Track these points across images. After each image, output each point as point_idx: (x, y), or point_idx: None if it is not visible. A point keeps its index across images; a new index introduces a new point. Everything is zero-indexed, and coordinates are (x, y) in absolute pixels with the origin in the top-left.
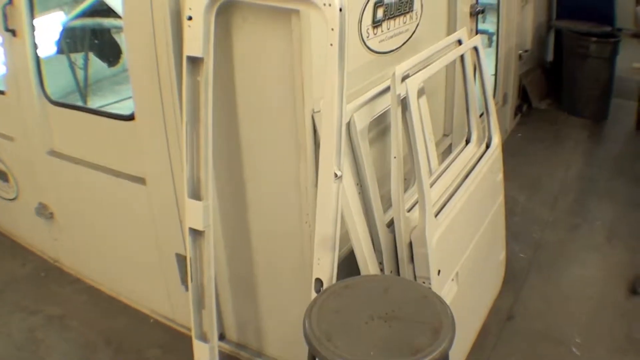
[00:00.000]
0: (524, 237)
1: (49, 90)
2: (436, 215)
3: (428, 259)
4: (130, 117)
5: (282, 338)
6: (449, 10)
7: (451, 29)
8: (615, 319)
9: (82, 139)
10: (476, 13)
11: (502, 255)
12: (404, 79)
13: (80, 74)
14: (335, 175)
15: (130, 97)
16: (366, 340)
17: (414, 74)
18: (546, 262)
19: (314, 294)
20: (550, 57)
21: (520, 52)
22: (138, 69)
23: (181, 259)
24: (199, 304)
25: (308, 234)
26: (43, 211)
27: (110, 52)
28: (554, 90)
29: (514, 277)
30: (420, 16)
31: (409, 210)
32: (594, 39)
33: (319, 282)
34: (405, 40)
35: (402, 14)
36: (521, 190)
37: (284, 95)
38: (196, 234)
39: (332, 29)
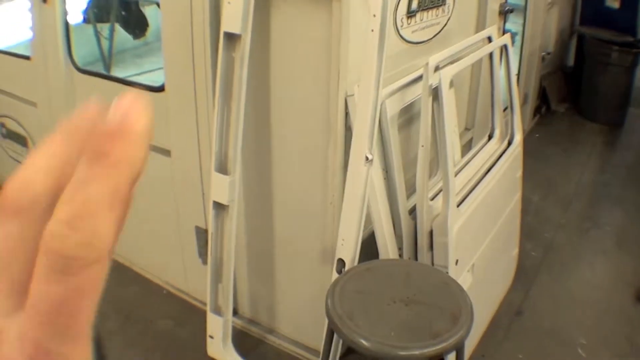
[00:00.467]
0: (536, 236)
1: (76, 58)
2: (458, 206)
3: (448, 248)
4: (160, 89)
5: (294, 316)
6: (479, 7)
7: (480, 25)
8: (620, 324)
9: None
10: (505, 12)
11: (515, 252)
12: (436, 69)
13: (105, 44)
14: (367, 158)
15: (150, 70)
16: (387, 322)
17: (444, 66)
18: (556, 262)
19: (335, 274)
20: (571, 61)
21: (543, 54)
22: (172, 42)
23: (200, 232)
24: (217, 277)
25: (332, 214)
26: None
27: (136, 24)
28: (572, 94)
29: (524, 274)
30: (452, 10)
31: (431, 199)
32: (616, 47)
33: (341, 262)
34: (436, 32)
35: (435, 6)
36: (535, 190)
37: (318, 77)
38: (220, 208)
39: (374, 15)
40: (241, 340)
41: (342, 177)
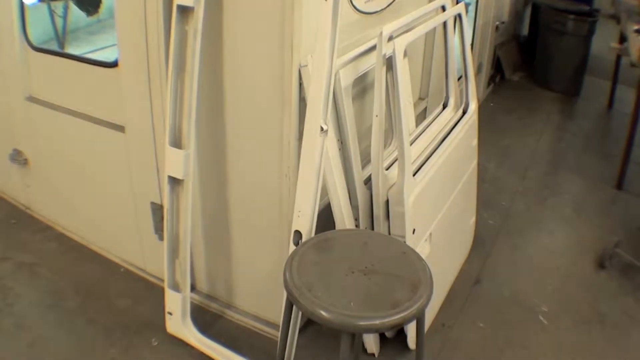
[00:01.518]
0: (493, 205)
1: (31, 37)
2: (414, 175)
3: (404, 218)
4: (113, 64)
5: (252, 291)
6: None
7: None
8: (581, 290)
9: (63, 85)
10: None
11: (472, 220)
12: (390, 39)
13: (59, 22)
14: (322, 129)
15: (103, 48)
16: (346, 292)
17: (397, 35)
18: (515, 230)
19: (292, 247)
20: (525, 31)
21: (497, 23)
22: (125, 16)
23: (156, 208)
24: (173, 253)
25: (287, 187)
26: (17, 157)
27: (89, 1)
28: (527, 63)
29: (482, 243)
30: None
31: (387, 169)
32: (572, 16)
33: (298, 234)
34: (389, 3)
35: None
36: (491, 159)
37: (271, 49)
38: (175, 182)
39: None
40: (200, 315)
41: (297, 148)
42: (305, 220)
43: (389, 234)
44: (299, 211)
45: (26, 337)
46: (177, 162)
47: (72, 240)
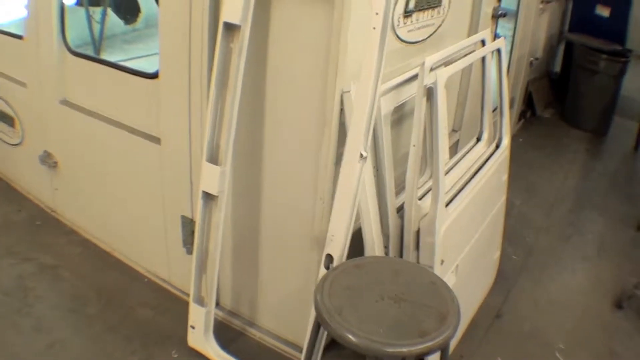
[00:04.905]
0: (517, 240)
1: (69, 40)
2: (446, 206)
3: (434, 248)
4: (153, 76)
5: (276, 310)
6: (473, 10)
7: (473, 28)
8: (598, 330)
9: (99, 92)
10: (498, 16)
11: (496, 254)
12: (430, 70)
13: (96, 27)
14: (361, 155)
15: (137, 57)
16: (375, 318)
17: (437, 67)
18: (537, 266)
19: (323, 270)
20: (557, 68)
21: (532, 59)
22: (169, 28)
23: (187, 222)
24: (201, 268)
25: (321, 209)
26: (47, 160)
27: (128, 9)
28: (558, 100)
29: (505, 278)
30: (447, 12)
31: (419, 199)
32: (605, 56)
33: (329, 257)
34: (430, 33)
35: (431, 7)
36: (518, 194)
37: (316, 72)
38: (209, 198)
39: (377, 13)
40: (222, 331)
41: (333, 173)
42: (337, 245)
43: (418, 263)
44: (332, 235)
45: (44, 339)
46: (212, 178)
47: (96, 246)
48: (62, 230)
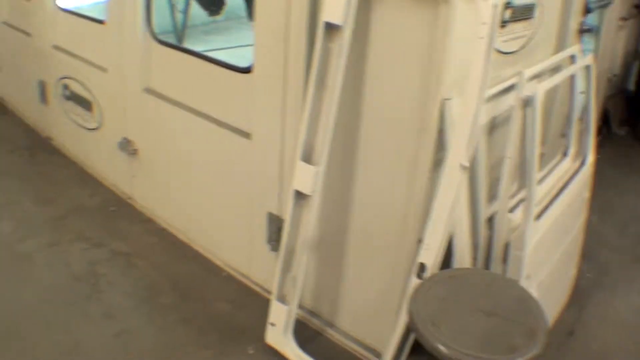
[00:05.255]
0: (592, 258)
1: (154, 28)
2: (536, 219)
3: (522, 262)
4: (246, 70)
5: (356, 312)
6: (561, 24)
7: (560, 42)
8: None
9: (185, 82)
10: (582, 31)
11: (573, 272)
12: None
13: (178, 17)
14: (462, 166)
15: (217, 49)
16: (467, 331)
17: (530, 79)
18: (610, 285)
19: (414, 278)
20: (632, 85)
21: (610, 75)
22: (265, 24)
23: (273, 219)
24: (287, 266)
25: (414, 216)
26: (127, 146)
27: (213, 1)
28: (633, 118)
29: (579, 295)
30: (538, 25)
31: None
32: None
33: (422, 266)
34: (522, 45)
35: (525, 18)
36: (593, 212)
37: (416, 78)
38: (300, 197)
39: (484, 23)
40: (300, 330)
41: (428, 180)
42: (431, 254)
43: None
44: (427, 244)
45: (114, 327)
46: (306, 178)
47: (173, 236)
48: (138, 218)
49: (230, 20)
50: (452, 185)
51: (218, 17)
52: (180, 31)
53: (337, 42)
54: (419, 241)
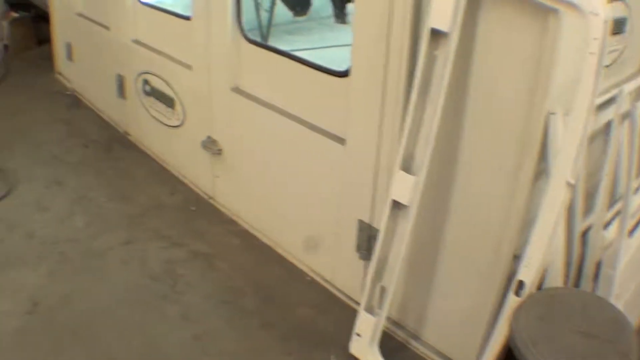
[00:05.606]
0: None
1: (244, 27)
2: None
3: (613, 282)
4: (343, 74)
5: (443, 326)
6: None
7: None
8: None
9: (276, 83)
10: None
11: None
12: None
13: (263, 15)
14: (568, 183)
15: (299, 50)
16: (565, 353)
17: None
18: None
19: (512, 296)
20: None
21: None
22: (365, 28)
23: (364, 227)
24: (377, 277)
25: (513, 231)
26: (211, 146)
27: (299, 1)
28: None
29: None
30: (628, 39)
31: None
32: None
33: (521, 284)
34: (614, 59)
35: (617, 32)
36: None
37: (521, 90)
38: (397, 207)
39: (595, 39)
40: (384, 341)
41: (529, 194)
42: (531, 272)
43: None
44: (527, 261)
45: (192, 329)
46: (405, 188)
47: (256, 238)
48: (220, 218)
49: (311, 21)
50: (557, 203)
51: (304, 17)
52: (265, 30)
53: (443, 49)
54: (515, 257)
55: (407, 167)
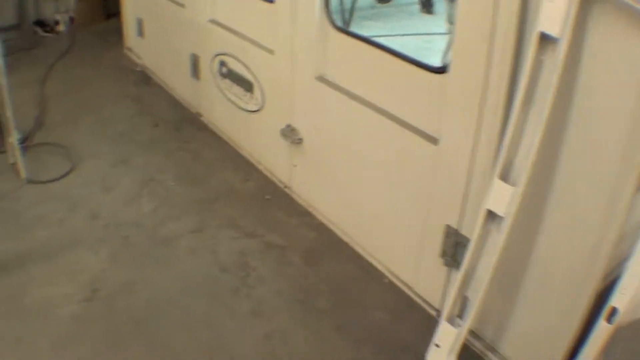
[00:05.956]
0: None
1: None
2: None
3: None
4: (440, 70)
5: (523, 342)
6: None
7: None
8: None
9: (365, 75)
10: None
11: None
12: None
13: (345, 1)
14: None
15: (375, 36)
16: None
17: None
18: None
19: (603, 323)
20: None
21: None
22: (469, 26)
23: (451, 233)
24: (463, 287)
25: (607, 252)
26: (291, 134)
27: None
28: None
29: None
30: None
31: None
32: None
33: (615, 311)
34: None
35: None
36: None
37: (629, 104)
38: (492, 217)
39: None
40: (460, 352)
41: (627, 213)
42: (626, 299)
43: None
44: (623, 287)
45: (262, 327)
46: (502, 198)
47: (333, 233)
48: (296, 209)
49: (390, 7)
50: None
51: (386, 4)
52: (348, 15)
53: (552, 56)
54: (607, 279)
55: (505, 176)
